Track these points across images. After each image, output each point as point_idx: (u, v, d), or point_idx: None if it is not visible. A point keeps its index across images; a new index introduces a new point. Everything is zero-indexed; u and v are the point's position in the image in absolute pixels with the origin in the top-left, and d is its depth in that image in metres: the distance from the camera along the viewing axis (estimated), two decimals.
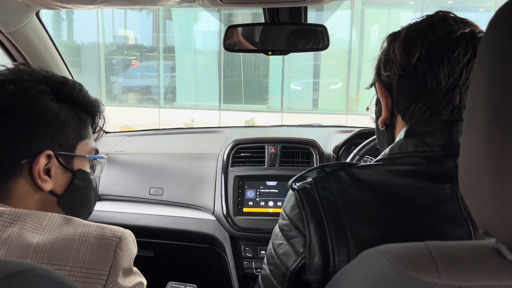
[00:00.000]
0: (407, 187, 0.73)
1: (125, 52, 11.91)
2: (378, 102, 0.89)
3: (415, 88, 0.77)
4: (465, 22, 0.77)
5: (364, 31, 10.03)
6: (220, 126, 2.25)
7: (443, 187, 0.72)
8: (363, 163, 0.79)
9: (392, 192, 0.73)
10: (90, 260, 0.71)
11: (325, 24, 1.39)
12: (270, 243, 0.84)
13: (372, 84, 0.89)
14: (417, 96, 0.77)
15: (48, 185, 0.79)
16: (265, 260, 0.85)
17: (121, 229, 0.78)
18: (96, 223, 0.78)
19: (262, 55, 1.44)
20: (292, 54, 1.50)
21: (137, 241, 0.84)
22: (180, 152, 1.95)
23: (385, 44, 0.84)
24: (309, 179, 0.79)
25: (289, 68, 10.25)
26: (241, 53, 9.70)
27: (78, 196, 0.87)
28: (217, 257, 1.79)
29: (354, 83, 9.90)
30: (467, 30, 0.75)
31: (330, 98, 10.50)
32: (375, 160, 0.82)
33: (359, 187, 0.74)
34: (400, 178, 0.74)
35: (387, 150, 0.80)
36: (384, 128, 0.86)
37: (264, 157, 1.77)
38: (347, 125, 2.04)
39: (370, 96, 1.00)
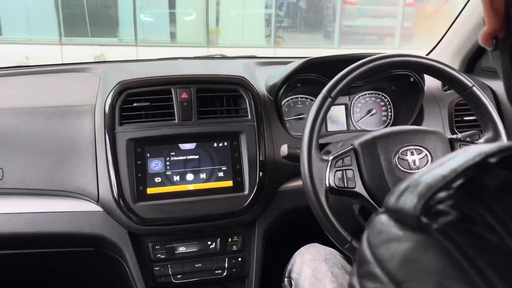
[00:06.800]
0: None
1: None
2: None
3: None
4: None
5: None
6: (86, 62, 1.50)
7: None
8: None
9: None
10: None
11: None
12: None
13: None
14: None
15: None
16: None
17: None
18: None
19: None
20: None
21: None
22: (28, 106, 1.19)
23: None
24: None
25: None
26: None
27: None
28: (109, 265, 1.18)
29: (213, 14, 9.31)
30: None
31: (188, 31, 9.78)
32: None
33: None
34: None
35: None
36: (493, 48, 0.46)
37: (172, 107, 1.15)
38: (272, 56, 1.51)
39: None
